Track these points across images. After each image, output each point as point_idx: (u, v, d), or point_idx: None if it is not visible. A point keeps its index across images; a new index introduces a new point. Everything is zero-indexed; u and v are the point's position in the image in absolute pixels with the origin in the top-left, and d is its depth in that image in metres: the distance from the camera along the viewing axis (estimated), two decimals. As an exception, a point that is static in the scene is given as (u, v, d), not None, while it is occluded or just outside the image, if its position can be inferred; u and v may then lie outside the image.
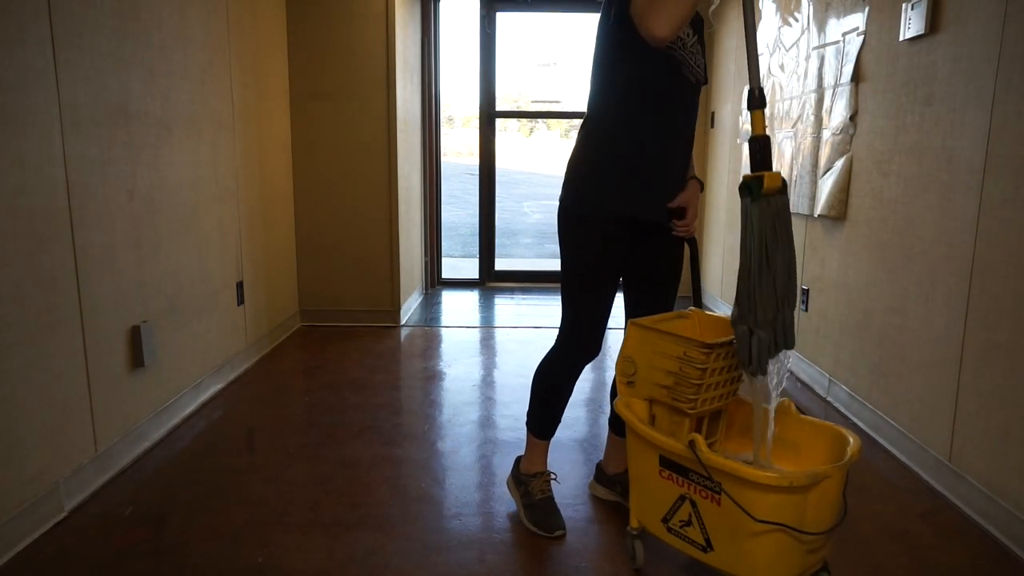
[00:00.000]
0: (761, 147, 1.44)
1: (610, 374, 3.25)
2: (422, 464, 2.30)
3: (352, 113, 3.81)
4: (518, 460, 2.03)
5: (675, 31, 1.44)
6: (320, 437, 2.49)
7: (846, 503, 1.47)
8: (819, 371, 2.97)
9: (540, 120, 27.34)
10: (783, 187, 1.44)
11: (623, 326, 1.99)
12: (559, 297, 1.87)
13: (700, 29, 1.75)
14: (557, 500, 1.96)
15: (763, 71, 3.50)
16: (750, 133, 1.47)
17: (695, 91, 1.76)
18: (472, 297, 4.88)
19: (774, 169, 1.45)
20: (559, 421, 1.95)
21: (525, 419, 1.98)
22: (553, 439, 1.99)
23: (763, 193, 1.40)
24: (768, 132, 1.49)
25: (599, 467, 2.10)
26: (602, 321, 1.83)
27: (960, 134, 2.06)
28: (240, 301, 3.12)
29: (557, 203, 1.84)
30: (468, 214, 10.14)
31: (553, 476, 2.00)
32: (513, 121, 25.98)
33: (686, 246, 1.85)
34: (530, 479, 1.95)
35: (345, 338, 3.76)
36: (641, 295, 1.89)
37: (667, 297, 1.89)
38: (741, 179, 1.42)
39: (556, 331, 1.89)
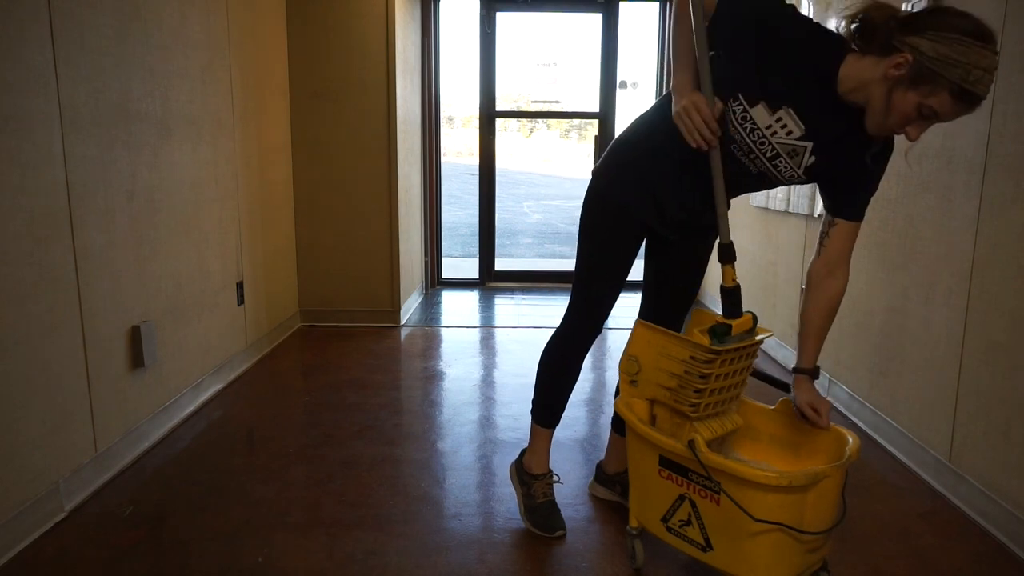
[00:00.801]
0: (733, 297, 1.55)
1: (611, 374, 3.25)
2: (422, 464, 2.30)
3: (352, 113, 3.81)
4: (523, 452, 2.01)
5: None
6: (320, 437, 2.49)
7: (846, 503, 1.47)
8: (819, 371, 2.96)
9: (540, 120, 27.32)
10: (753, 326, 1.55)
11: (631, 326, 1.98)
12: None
13: (816, 129, 1.47)
14: (557, 500, 1.96)
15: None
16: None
17: (756, 176, 1.60)
18: (472, 297, 4.88)
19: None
20: (564, 407, 1.93)
21: (530, 408, 1.95)
22: (553, 439, 1.99)
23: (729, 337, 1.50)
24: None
25: (599, 467, 2.10)
26: (607, 305, 1.82)
27: (960, 134, 2.06)
28: (240, 301, 3.12)
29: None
30: (468, 214, 10.14)
31: (557, 479, 1.99)
32: (513, 121, 25.95)
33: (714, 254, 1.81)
34: (534, 480, 1.94)
35: (345, 338, 3.76)
36: (659, 299, 1.89)
37: (685, 303, 1.90)
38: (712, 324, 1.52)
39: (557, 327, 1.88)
